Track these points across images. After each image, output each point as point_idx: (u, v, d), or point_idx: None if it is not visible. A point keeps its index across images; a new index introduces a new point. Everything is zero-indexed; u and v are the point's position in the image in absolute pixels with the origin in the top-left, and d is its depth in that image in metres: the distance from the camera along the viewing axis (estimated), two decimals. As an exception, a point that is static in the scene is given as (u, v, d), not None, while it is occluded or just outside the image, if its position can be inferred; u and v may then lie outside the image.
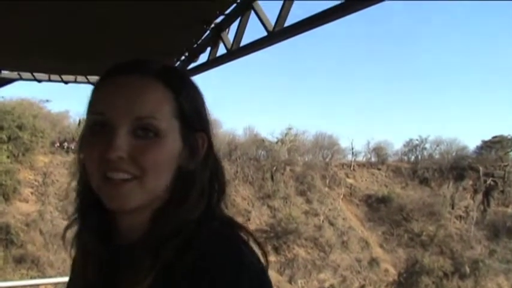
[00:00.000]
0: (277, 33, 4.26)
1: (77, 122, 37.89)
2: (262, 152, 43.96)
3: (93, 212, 1.20)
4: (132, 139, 1.08)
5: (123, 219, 1.17)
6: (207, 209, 1.13)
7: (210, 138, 1.19)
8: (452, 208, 42.93)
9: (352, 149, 46.62)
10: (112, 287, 1.11)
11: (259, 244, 1.14)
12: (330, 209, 41.29)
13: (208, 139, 1.18)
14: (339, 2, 3.43)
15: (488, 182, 43.45)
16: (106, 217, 1.19)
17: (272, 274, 35.04)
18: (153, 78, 1.12)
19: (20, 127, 34.15)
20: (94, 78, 6.80)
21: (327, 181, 43.06)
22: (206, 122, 1.20)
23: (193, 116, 1.16)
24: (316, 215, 40.57)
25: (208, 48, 5.63)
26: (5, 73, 6.81)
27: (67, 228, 1.27)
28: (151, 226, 1.11)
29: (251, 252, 1.09)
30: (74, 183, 1.26)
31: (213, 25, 5.08)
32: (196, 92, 1.21)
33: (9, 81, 6.99)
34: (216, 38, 5.25)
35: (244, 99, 67.82)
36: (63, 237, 1.28)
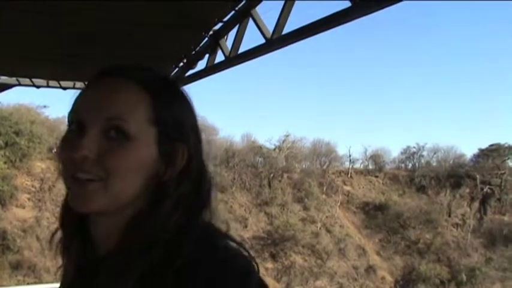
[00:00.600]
0: (275, 41, 4.29)
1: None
2: (260, 159, 43.91)
3: (72, 219, 1.18)
4: (103, 140, 1.06)
5: (96, 227, 1.14)
6: (186, 219, 1.09)
7: (190, 150, 1.13)
8: (449, 216, 42.91)
9: (350, 156, 46.65)
10: None
11: (248, 253, 1.10)
12: (327, 216, 41.22)
13: (188, 151, 1.12)
14: (336, 11, 3.47)
15: (485, 190, 43.46)
16: (86, 225, 1.16)
17: (269, 281, 34.94)
18: (129, 81, 1.10)
19: (17, 133, 34.07)
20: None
21: (324, 188, 43.01)
22: (188, 133, 1.14)
23: (173, 125, 1.11)
24: (314, 222, 40.50)
25: (207, 55, 5.65)
26: (4, 79, 6.82)
27: (53, 235, 1.23)
28: (123, 237, 1.09)
29: (239, 256, 1.07)
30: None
31: (211, 32, 5.12)
32: (183, 102, 1.17)
33: (8, 86, 7.00)
34: (214, 45, 5.29)
35: (242, 106, 67.87)
36: (50, 243, 1.22)
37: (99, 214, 1.11)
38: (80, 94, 1.13)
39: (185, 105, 1.17)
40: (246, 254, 1.09)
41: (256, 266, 1.08)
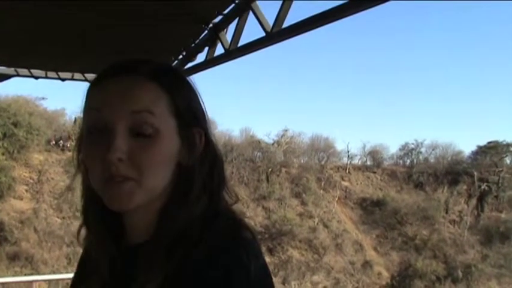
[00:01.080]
0: (275, 34, 4.28)
1: (73, 120, 37.88)
2: (258, 154, 43.92)
3: (99, 213, 1.20)
4: (131, 139, 1.08)
5: (129, 219, 1.18)
6: (209, 203, 1.14)
7: (207, 133, 1.20)
8: (446, 213, 43.01)
9: (348, 152, 46.67)
10: (124, 287, 1.11)
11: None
12: (324, 212, 41.30)
13: (205, 134, 1.19)
14: (337, 4, 3.46)
15: (482, 187, 43.55)
16: (114, 217, 1.20)
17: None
18: (147, 78, 1.13)
19: (15, 124, 34.03)
20: (91, 75, 6.80)
21: (322, 183, 43.07)
22: (202, 118, 1.21)
23: (189, 113, 1.17)
24: (311, 217, 40.58)
25: (206, 48, 5.64)
26: (2, 69, 6.81)
27: (80, 228, 1.27)
28: (158, 225, 1.12)
29: (256, 254, 1.10)
30: (73, 183, 1.27)
31: (211, 25, 5.11)
32: (191, 90, 1.22)
33: (6, 77, 6.99)
34: (214, 37, 5.27)
35: (241, 100, 67.83)
36: (77, 236, 1.27)
37: (136, 209, 1.15)
38: (96, 91, 1.15)
39: (194, 93, 1.23)
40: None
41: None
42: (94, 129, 1.11)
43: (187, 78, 1.25)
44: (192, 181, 1.14)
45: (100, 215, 1.21)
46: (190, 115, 1.17)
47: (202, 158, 1.17)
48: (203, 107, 1.23)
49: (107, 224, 1.21)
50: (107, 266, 1.20)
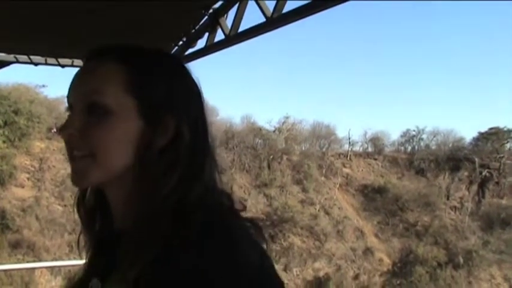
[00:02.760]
0: (276, 20, 4.24)
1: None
2: (260, 141, 43.97)
3: (90, 197, 1.24)
4: (85, 116, 1.10)
5: (110, 200, 1.18)
6: (186, 193, 1.08)
7: (183, 119, 1.12)
8: (448, 199, 43.11)
9: (349, 138, 46.74)
10: (113, 270, 1.09)
11: (256, 227, 1.12)
12: (326, 198, 41.41)
13: (177, 120, 1.11)
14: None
15: (483, 174, 43.62)
16: (103, 201, 1.20)
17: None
18: (108, 58, 1.14)
19: (16, 112, 34.07)
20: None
21: (324, 170, 43.14)
22: (181, 102, 1.14)
23: (158, 95, 1.12)
24: (312, 204, 40.69)
25: (206, 34, 5.59)
26: (2, 55, 6.77)
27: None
28: (127, 209, 1.11)
29: (249, 243, 1.06)
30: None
31: (211, 10, 5.06)
32: (172, 71, 1.17)
33: (5, 64, 6.95)
34: (214, 23, 5.23)
35: (242, 87, 67.76)
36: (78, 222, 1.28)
37: (99, 187, 1.17)
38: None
39: (176, 75, 1.18)
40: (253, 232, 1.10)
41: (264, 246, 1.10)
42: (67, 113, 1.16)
43: (169, 58, 1.22)
44: (154, 164, 1.09)
45: (91, 199, 1.24)
46: (158, 95, 1.12)
47: (174, 143, 1.11)
48: (186, 89, 1.17)
49: (96, 208, 1.23)
50: (95, 249, 1.23)
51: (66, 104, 1.17)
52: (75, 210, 1.26)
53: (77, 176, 1.11)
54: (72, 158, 1.11)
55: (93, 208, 1.24)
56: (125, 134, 1.10)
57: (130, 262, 1.02)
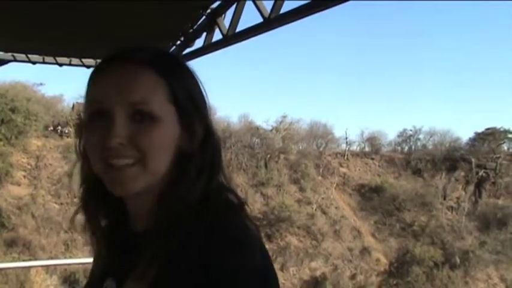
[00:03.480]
0: (273, 20, 4.24)
1: (71, 106, 37.84)
2: (257, 140, 43.97)
3: (100, 199, 1.23)
4: (131, 124, 1.10)
5: (131, 206, 1.20)
6: (206, 190, 1.14)
7: (207, 121, 1.20)
8: (444, 199, 43.16)
9: (346, 138, 46.76)
10: (127, 271, 1.11)
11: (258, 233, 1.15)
12: (322, 198, 41.41)
13: (205, 122, 1.19)
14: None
15: (480, 174, 43.69)
16: (115, 203, 1.22)
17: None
18: (146, 65, 1.15)
19: (13, 110, 33.99)
20: (89, 61, 6.76)
21: (321, 170, 43.14)
22: (202, 105, 1.21)
23: (188, 100, 1.17)
24: (309, 203, 40.70)
25: (204, 34, 5.59)
26: (-1, 54, 6.76)
27: (76, 213, 1.29)
28: (158, 212, 1.13)
29: (251, 244, 1.09)
30: (73, 169, 1.28)
31: (209, 10, 5.06)
32: (190, 76, 1.22)
33: (3, 62, 6.94)
34: (211, 23, 5.23)
35: (239, 86, 67.73)
36: (72, 221, 1.28)
37: (138, 194, 1.16)
38: (96, 81, 1.17)
39: (194, 79, 1.23)
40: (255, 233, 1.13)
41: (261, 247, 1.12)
42: (94, 117, 1.14)
43: (187, 65, 1.25)
44: (190, 168, 1.15)
45: (101, 203, 1.24)
46: (190, 102, 1.18)
47: (202, 145, 1.18)
48: (203, 94, 1.23)
49: (108, 210, 1.25)
50: (108, 252, 1.24)
51: (93, 109, 1.14)
52: (83, 208, 1.26)
53: (122, 185, 1.12)
54: (113, 166, 1.11)
55: (100, 207, 1.25)
56: (170, 140, 1.15)
57: (150, 262, 1.06)
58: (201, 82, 1.24)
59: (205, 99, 1.23)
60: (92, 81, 1.17)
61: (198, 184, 1.14)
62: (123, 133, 1.09)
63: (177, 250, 1.04)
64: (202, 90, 1.23)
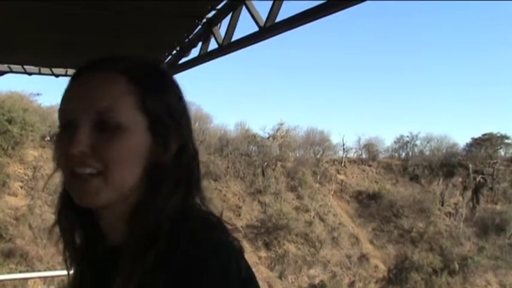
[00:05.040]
0: (269, 29, 4.25)
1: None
2: (254, 148, 43.92)
3: (72, 211, 1.19)
4: (96, 133, 1.08)
5: (103, 220, 1.17)
6: (182, 205, 1.10)
7: (184, 132, 1.16)
8: (442, 205, 43.15)
9: (343, 145, 46.75)
10: (107, 284, 1.09)
11: (240, 247, 1.12)
12: (320, 205, 41.35)
13: (181, 135, 1.15)
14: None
15: (477, 179, 43.71)
16: (88, 216, 1.19)
17: (262, 270, 35.11)
18: (116, 73, 1.12)
19: (9, 120, 33.91)
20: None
21: (318, 177, 43.10)
22: (179, 116, 1.16)
23: (162, 110, 1.13)
24: (307, 210, 40.63)
25: (200, 43, 5.61)
26: (-5, 66, 6.76)
27: (54, 225, 1.25)
28: (131, 227, 1.09)
29: (232, 256, 1.06)
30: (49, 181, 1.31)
31: (204, 20, 5.08)
32: (168, 86, 1.19)
33: (-1, 73, 6.95)
34: (207, 32, 5.24)
35: (236, 94, 67.78)
36: (50, 234, 1.28)
37: (104, 207, 1.13)
38: (66, 90, 1.15)
39: (173, 90, 1.19)
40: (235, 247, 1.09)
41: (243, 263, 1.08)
42: (62, 127, 1.13)
43: (166, 75, 1.21)
44: (163, 180, 1.11)
45: (73, 215, 1.20)
46: (165, 113, 1.13)
47: (177, 159, 1.13)
48: (183, 105, 1.19)
49: (82, 224, 1.21)
50: (83, 267, 1.22)
51: (61, 119, 1.14)
52: (58, 222, 1.23)
53: (85, 196, 1.09)
54: (77, 176, 1.08)
55: (72, 219, 1.21)
56: (137, 150, 1.10)
57: (130, 274, 1.03)
58: (181, 93, 1.20)
59: (185, 110, 1.19)
60: (64, 91, 1.16)
61: (174, 197, 1.09)
62: (85, 141, 1.07)
63: (157, 264, 1.02)
64: (182, 101, 1.19)
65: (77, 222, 1.21)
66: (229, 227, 1.14)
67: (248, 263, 1.09)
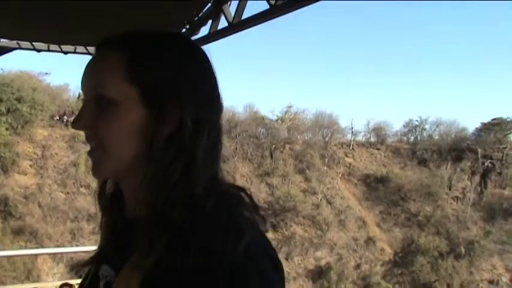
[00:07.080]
0: (279, 7, 4.20)
1: (77, 95, 37.89)
2: (262, 130, 43.97)
3: (109, 186, 1.24)
4: (97, 110, 1.10)
5: (123, 191, 1.19)
6: (189, 180, 1.07)
7: (187, 104, 1.08)
8: (450, 189, 43.13)
9: (352, 128, 46.71)
10: (123, 259, 1.08)
11: (258, 213, 1.13)
12: (328, 188, 41.45)
13: (181, 106, 1.08)
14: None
15: (486, 164, 43.60)
16: (119, 191, 1.21)
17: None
18: (111, 49, 1.12)
19: (19, 99, 34.08)
20: (93, 49, 6.73)
21: (326, 160, 43.14)
22: (186, 88, 1.10)
23: (162, 81, 1.09)
24: (315, 193, 40.74)
25: (210, 21, 5.57)
26: (4, 42, 6.73)
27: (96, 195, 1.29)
28: (142, 197, 1.08)
29: (258, 231, 1.07)
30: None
31: (214, -3, 5.03)
32: (175, 54, 1.12)
33: (8, 50, 6.92)
34: (217, 10, 5.19)
35: (245, 77, 67.65)
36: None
37: (114, 179, 1.19)
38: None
39: (182, 57, 1.13)
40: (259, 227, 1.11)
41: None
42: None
43: (167, 44, 1.15)
44: (164, 151, 1.07)
45: (104, 189, 1.25)
46: (161, 83, 1.09)
47: (180, 131, 1.08)
48: (194, 76, 1.12)
49: (113, 197, 1.23)
50: (108, 237, 1.23)
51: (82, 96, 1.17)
52: (97, 199, 1.25)
53: (93, 168, 1.13)
54: (88, 151, 1.14)
55: (110, 198, 1.24)
56: (130, 124, 1.08)
57: (144, 250, 1.02)
58: (202, 63, 1.16)
59: (197, 81, 1.12)
60: None
61: (173, 168, 1.06)
62: (87, 117, 1.10)
63: (176, 238, 1.01)
64: (195, 71, 1.13)
65: (112, 197, 1.23)
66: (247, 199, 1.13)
67: (269, 242, 1.09)
